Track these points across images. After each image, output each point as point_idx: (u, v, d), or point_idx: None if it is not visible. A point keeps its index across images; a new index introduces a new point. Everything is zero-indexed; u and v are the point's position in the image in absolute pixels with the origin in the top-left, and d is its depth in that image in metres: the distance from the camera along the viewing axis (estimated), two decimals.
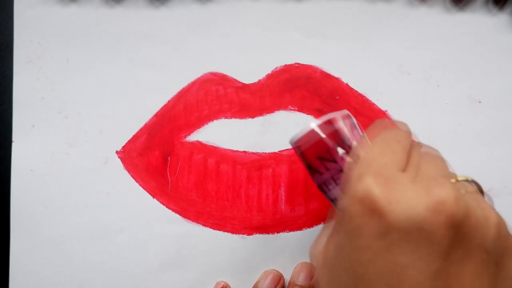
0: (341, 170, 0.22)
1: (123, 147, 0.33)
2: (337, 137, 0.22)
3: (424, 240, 0.20)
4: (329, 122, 0.22)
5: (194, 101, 0.32)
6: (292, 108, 0.32)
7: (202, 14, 0.33)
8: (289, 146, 0.32)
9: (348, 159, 0.22)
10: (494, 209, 0.21)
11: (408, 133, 0.24)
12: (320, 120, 0.22)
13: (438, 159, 0.23)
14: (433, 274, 0.19)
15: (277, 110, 0.32)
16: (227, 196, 0.32)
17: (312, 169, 0.22)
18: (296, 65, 0.32)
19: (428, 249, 0.20)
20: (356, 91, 0.32)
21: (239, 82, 0.32)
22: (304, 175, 0.32)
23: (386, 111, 0.32)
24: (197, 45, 0.33)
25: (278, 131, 0.32)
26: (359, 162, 0.22)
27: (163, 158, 0.32)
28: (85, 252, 0.32)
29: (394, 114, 0.32)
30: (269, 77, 0.32)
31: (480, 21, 0.32)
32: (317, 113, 0.32)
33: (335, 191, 0.23)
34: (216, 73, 0.33)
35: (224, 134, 0.32)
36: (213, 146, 0.32)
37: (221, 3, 0.33)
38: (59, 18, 0.33)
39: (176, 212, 0.32)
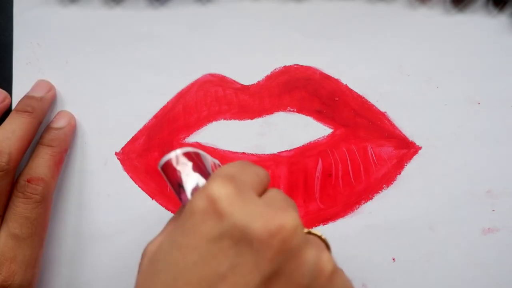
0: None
1: (122, 148, 0.33)
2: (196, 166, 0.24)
3: (250, 257, 0.19)
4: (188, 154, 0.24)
5: (193, 102, 0.32)
6: (291, 110, 0.32)
7: (202, 15, 0.33)
8: (289, 148, 0.32)
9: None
10: (334, 263, 0.21)
11: (268, 176, 0.24)
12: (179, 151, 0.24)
13: (294, 206, 0.23)
14: None
15: (276, 111, 0.32)
16: None
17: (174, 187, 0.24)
18: (296, 66, 0.32)
19: (251, 267, 0.19)
20: (355, 92, 0.32)
21: (238, 84, 0.32)
22: (304, 177, 0.32)
23: (386, 112, 0.32)
24: (197, 46, 0.33)
25: (277, 132, 0.32)
26: (218, 170, 0.22)
27: None
28: (85, 253, 0.33)
29: (394, 115, 0.32)
30: (268, 78, 0.32)
31: (480, 23, 0.32)
32: (317, 114, 0.32)
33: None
34: (216, 74, 0.33)
35: (223, 135, 0.32)
36: (212, 148, 0.32)
37: (221, 4, 0.33)
38: (59, 19, 0.33)
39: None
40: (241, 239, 0.20)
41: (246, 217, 0.20)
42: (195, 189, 0.23)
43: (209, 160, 0.24)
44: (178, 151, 0.23)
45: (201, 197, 0.21)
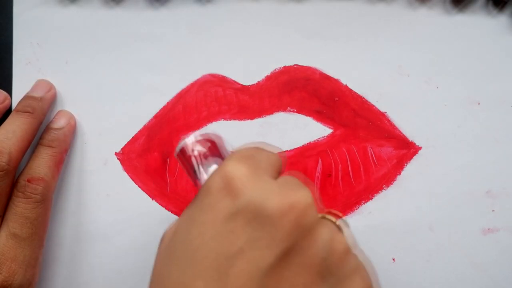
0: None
1: (122, 148, 0.33)
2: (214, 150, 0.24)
3: (266, 232, 0.20)
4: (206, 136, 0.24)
5: (193, 102, 0.32)
6: (291, 110, 0.32)
7: (202, 15, 0.33)
8: (289, 148, 0.32)
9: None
10: (348, 245, 0.21)
11: (280, 161, 0.24)
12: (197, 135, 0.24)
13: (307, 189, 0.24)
14: (265, 270, 0.19)
15: (276, 111, 0.32)
16: None
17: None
18: (295, 66, 0.32)
19: (267, 242, 0.20)
20: (355, 92, 0.32)
21: (238, 84, 0.32)
22: (303, 177, 0.32)
23: (385, 112, 0.32)
24: (197, 46, 0.33)
25: (277, 132, 0.32)
26: (234, 151, 0.23)
27: (162, 160, 0.32)
28: (84, 253, 0.33)
29: (393, 115, 0.32)
30: (268, 78, 0.32)
31: (480, 23, 0.32)
32: (316, 114, 0.32)
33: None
34: (215, 74, 0.33)
35: (223, 135, 0.32)
36: None
37: (221, 5, 0.33)
38: (59, 19, 0.33)
39: (175, 214, 0.32)
40: (256, 216, 0.20)
41: (261, 195, 0.20)
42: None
43: (223, 144, 0.25)
44: (193, 137, 0.24)
45: (218, 176, 0.21)
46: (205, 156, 0.23)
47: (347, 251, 0.21)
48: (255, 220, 0.20)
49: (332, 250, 0.21)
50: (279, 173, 0.24)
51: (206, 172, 0.23)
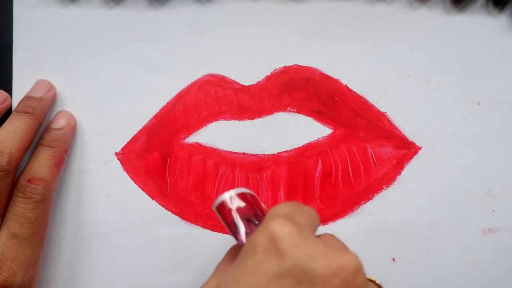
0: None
1: (122, 148, 0.33)
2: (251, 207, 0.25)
3: None
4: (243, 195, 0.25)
5: (193, 102, 0.32)
6: (291, 110, 0.32)
7: (202, 15, 0.33)
8: (289, 148, 0.32)
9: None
10: None
11: (318, 215, 0.24)
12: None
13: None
14: None
15: (276, 111, 0.32)
16: None
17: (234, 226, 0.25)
18: (295, 66, 0.32)
19: None
20: (355, 92, 0.32)
21: (238, 84, 0.32)
22: (303, 177, 0.32)
23: (386, 112, 0.32)
24: (196, 46, 0.33)
25: (277, 132, 0.32)
26: (274, 209, 0.22)
27: (162, 160, 0.32)
28: (84, 253, 0.33)
29: (394, 115, 0.32)
30: (268, 78, 0.32)
31: (480, 23, 0.32)
32: (316, 114, 0.32)
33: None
34: (215, 74, 0.33)
35: (223, 135, 0.32)
36: (212, 148, 0.32)
37: (221, 5, 0.33)
38: (59, 19, 0.33)
39: (175, 214, 0.32)
40: (303, 278, 0.20)
41: (308, 256, 0.20)
42: (252, 228, 0.23)
43: (259, 200, 0.25)
44: (232, 192, 0.24)
45: (263, 235, 0.21)
46: (245, 211, 0.24)
47: None
48: (302, 282, 0.19)
49: None
50: (317, 228, 0.24)
51: (248, 228, 0.23)
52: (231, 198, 0.24)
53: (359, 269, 0.20)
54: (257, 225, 0.23)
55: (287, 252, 0.20)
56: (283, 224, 0.21)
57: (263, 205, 0.25)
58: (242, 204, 0.24)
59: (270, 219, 0.21)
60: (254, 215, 0.24)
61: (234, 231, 0.24)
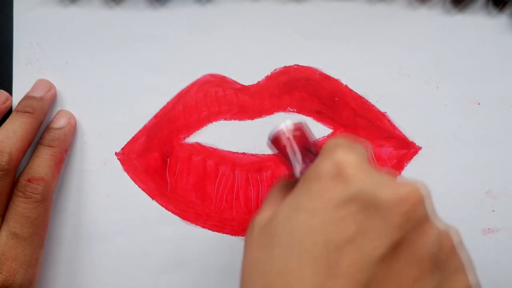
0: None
1: (122, 148, 0.33)
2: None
3: (379, 223, 0.19)
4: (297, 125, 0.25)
5: (193, 102, 0.32)
6: (291, 110, 0.32)
7: (202, 15, 0.33)
8: None
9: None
10: (457, 239, 0.21)
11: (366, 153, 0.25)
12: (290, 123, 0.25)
13: None
14: (376, 260, 0.19)
15: (276, 111, 0.32)
16: (226, 198, 0.32)
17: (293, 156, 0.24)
18: (295, 66, 0.32)
19: (379, 232, 0.19)
20: (355, 92, 0.32)
21: (238, 84, 0.32)
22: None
23: (386, 112, 0.32)
24: (197, 46, 0.33)
25: None
26: (336, 139, 0.22)
27: (162, 160, 0.32)
28: (84, 253, 0.33)
29: (394, 115, 0.32)
30: (268, 78, 0.32)
31: (480, 23, 0.32)
32: (316, 114, 0.32)
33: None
34: (215, 74, 0.33)
35: (223, 135, 0.32)
36: (212, 148, 0.32)
37: (221, 5, 0.33)
38: (59, 19, 0.33)
39: (175, 214, 0.32)
40: (369, 204, 0.19)
41: (374, 183, 0.20)
42: (310, 158, 0.23)
43: (310, 131, 0.25)
44: (288, 121, 0.24)
45: (328, 162, 0.21)
46: (302, 141, 0.24)
47: (455, 248, 0.21)
48: (368, 209, 0.19)
49: (442, 246, 0.20)
50: None
51: (306, 157, 0.23)
52: (288, 129, 0.24)
53: (423, 199, 0.20)
54: (314, 154, 0.23)
55: (354, 179, 0.20)
56: (348, 152, 0.21)
57: (314, 136, 0.25)
58: (297, 133, 0.24)
59: (334, 148, 0.21)
60: (310, 144, 0.24)
61: (292, 160, 0.23)
